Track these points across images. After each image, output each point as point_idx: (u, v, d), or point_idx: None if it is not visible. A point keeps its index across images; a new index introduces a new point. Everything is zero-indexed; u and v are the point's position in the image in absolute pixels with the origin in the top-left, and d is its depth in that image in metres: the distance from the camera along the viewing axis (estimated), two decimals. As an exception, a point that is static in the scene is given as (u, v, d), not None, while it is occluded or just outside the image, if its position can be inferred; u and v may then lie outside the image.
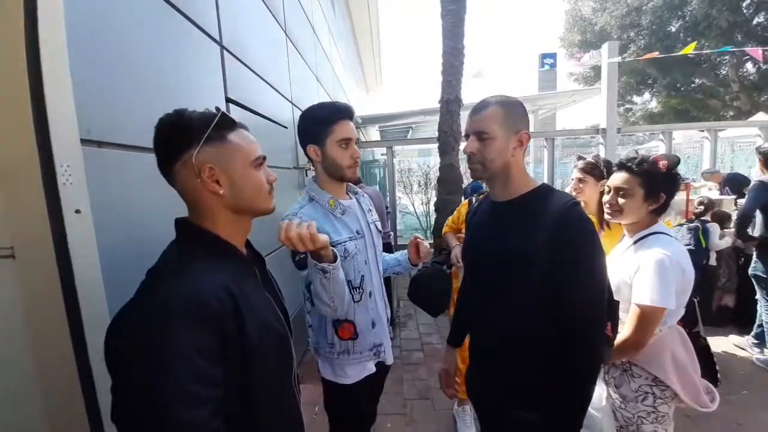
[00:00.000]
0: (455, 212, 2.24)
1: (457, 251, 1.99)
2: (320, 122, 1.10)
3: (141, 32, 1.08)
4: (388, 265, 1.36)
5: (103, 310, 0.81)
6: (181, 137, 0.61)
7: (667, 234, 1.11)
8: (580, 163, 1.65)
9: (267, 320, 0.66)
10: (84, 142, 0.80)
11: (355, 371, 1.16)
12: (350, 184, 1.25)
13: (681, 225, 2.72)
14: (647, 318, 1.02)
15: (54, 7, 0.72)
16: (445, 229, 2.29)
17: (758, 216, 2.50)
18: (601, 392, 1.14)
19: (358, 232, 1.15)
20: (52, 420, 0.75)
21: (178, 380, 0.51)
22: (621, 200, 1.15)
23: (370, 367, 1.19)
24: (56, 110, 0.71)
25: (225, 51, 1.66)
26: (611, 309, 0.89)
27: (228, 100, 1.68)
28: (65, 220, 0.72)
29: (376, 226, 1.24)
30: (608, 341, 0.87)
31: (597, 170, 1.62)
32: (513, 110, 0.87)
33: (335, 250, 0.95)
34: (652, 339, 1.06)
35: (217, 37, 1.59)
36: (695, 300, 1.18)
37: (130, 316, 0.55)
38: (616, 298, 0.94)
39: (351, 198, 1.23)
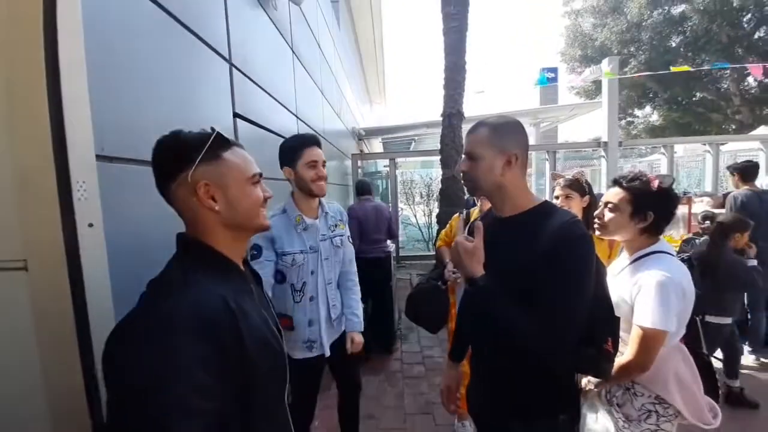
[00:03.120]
0: (447, 226, 2.25)
1: (450, 266, 1.99)
2: (293, 149, 1.40)
3: (154, 51, 1.13)
4: (350, 310, 1.59)
5: (111, 324, 0.82)
6: (178, 158, 0.64)
7: (668, 253, 1.10)
8: (563, 180, 1.68)
9: (264, 336, 0.66)
10: (98, 157, 0.83)
11: (294, 352, 1.42)
12: (323, 201, 1.51)
13: (687, 240, 2.73)
14: (650, 340, 1.02)
15: (73, 28, 0.75)
16: (438, 243, 2.28)
17: None
18: (608, 426, 1.13)
19: (311, 248, 1.42)
20: (56, 427, 0.75)
21: (177, 392, 0.51)
22: (608, 215, 1.15)
23: (303, 354, 1.44)
24: (74, 128, 0.74)
25: (233, 68, 1.71)
26: (611, 324, 0.89)
27: (235, 115, 1.73)
28: (78, 233, 0.74)
29: (332, 242, 1.50)
30: (608, 357, 0.87)
31: (580, 186, 1.65)
32: (501, 131, 0.88)
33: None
34: None
35: (227, 55, 1.65)
36: (697, 319, 1.18)
37: (131, 328, 0.56)
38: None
39: (318, 216, 1.48)
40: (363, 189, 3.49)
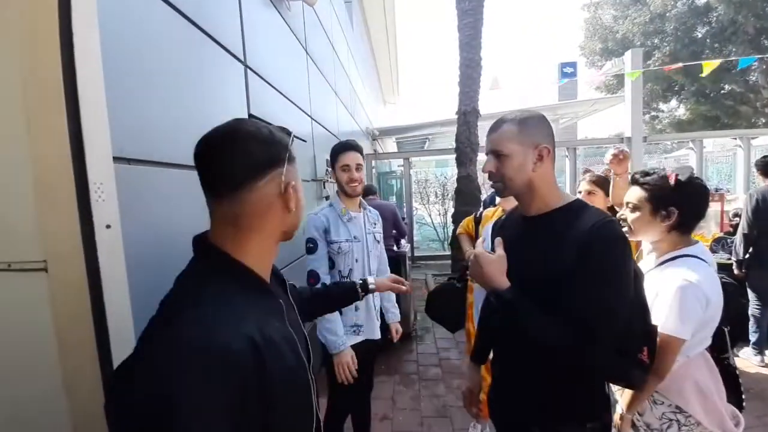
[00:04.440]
0: (466, 220, 2.25)
1: (471, 254, 1.98)
2: (333, 154, 1.57)
3: (169, 54, 1.14)
4: (390, 303, 1.77)
5: (129, 322, 0.83)
6: (279, 152, 0.59)
7: (699, 257, 1.03)
8: (589, 176, 1.64)
9: (291, 368, 0.59)
10: (116, 159, 0.84)
11: None
12: (363, 200, 1.66)
13: (719, 239, 2.61)
14: (662, 346, 0.95)
15: (89, 32, 0.76)
16: (459, 230, 2.28)
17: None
18: None
19: (355, 238, 1.56)
20: (76, 427, 0.76)
21: None
22: (630, 215, 1.11)
23: (352, 339, 1.52)
24: (91, 131, 0.75)
25: (248, 70, 1.72)
26: (648, 333, 0.84)
27: (250, 116, 1.74)
28: (96, 235, 0.75)
29: (374, 236, 1.67)
30: (643, 367, 0.81)
31: (607, 184, 1.59)
32: (529, 125, 0.84)
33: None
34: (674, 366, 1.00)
35: (242, 57, 1.66)
36: (725, 329, 1.10)
37: (144, 364, 0.48)
38: None
39: (361, 211, 1.64)
40: (368, 191, 3.80)
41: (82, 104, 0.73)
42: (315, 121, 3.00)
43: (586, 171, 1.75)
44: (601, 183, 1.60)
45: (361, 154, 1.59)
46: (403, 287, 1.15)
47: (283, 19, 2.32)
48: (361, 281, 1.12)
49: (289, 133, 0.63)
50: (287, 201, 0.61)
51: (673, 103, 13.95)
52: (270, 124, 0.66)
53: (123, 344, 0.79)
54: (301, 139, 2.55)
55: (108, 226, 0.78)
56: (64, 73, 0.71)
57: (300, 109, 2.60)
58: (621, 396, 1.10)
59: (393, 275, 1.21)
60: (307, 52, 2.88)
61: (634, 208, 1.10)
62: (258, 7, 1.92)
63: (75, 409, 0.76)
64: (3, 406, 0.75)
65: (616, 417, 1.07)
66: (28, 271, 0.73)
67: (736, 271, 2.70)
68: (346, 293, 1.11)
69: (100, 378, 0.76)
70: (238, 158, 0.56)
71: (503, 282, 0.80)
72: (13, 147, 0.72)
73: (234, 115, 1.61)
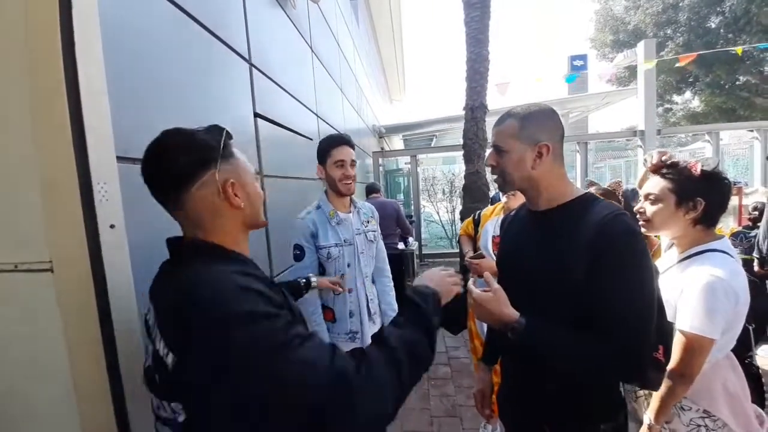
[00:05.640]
0: (466, 221, 2.27)
1: (470, 254, 1.99)
2: (323, 149, 1.46)
3: (173, 52, 1.13)
4: (389, 306, 1.66)
5: (135, 322, 0.83)
6: (202, 156, 0.61)
7: (725, 252, 0.98)
8: (595, 189, 1.59)
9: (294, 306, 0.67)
10: (119, 159, 0.84)
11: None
12: (354, 199, 1.56)
13: (737, 233, 2.52)
14: (691, 347, 0.92)
15: (91, 30, 0.75)
16: (460, 232, 2.29)
17: None
18: None
19: (345, 241, 1.46)
20: (84, 426, 0.76)
21: (275, 327, 0.50)
22: (650, 208, 1.05)
23: (348, 346, 1.44)
24: (93, 131, 0.74)
25: (254, 68, 1.71)
26: (664, 330, 0.81)
27: (256, 115, 1.73)
28: (100, 235, 0.75)
29: (366, 236, 1.54)
30: (659, 366, 0.78)
31: (614, 198, 1.54)
32: (531, 122, 0.82)
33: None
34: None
35: (246, 56, 1.65)
36: (750, 327, 1.06)
37: (197, 289, 0.52)
38: None
39: (351, 212, 1.53)
40: (372, 189, 3.87)
41: (84, 104, 0.72)
42: (321, 119, 2.99)
43: (591, 184, 1.69)
44: (609, 197, 1.55)
45: (354, 149, 1.49)
46: (339, 288, 1.32)
47: (288, 16, 2.31)
48: (304, 280, 1.23)
49: (221, 130, 0.64)
50: (230, 200, 0.62)
51: (687, 95, 13.59)
52: (210, 127, 0.67)
53: (129, 343, 0.79)
54: (307, 137, 2.54)
55: (112, 226, 0.78)
56: (66, 72, 0.70)
57: (306, 107, 2.59)
58: (644, 404, 1.06)
59: (333, 278, 1.36)
60: (312, 50, 2.87)
61: (656, 200, 1.04)
62: (262, 5, 1.91)
63: (83, 408, 0.76)
64: (12, 406, 0.76)
65: (643, 428, 1.03)
66: (34, 272, 0.73)
67: (757, 268, 2.61)
68: (292, 291, 1.18)
69: (107, 377, 0.76)
70: (162, 171, 0.61)
71: (512, 314, 0.78)
72: (17, 148, 0.71)
73: (240, 113, 1.61)
